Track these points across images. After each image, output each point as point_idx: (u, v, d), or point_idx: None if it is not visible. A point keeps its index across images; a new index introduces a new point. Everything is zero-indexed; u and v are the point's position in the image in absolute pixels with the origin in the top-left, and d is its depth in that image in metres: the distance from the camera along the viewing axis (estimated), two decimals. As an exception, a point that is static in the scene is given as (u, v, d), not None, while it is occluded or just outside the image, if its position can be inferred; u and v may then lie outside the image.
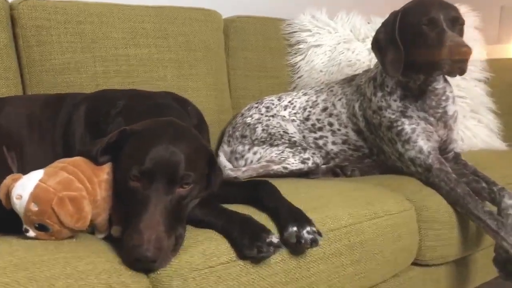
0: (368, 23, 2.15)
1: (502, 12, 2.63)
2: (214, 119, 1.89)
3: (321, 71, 2.09)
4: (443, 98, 1.55)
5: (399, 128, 1.52)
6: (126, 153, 1.00)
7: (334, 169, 1.74)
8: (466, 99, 2.01)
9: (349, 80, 1.79)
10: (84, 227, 0.97)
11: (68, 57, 1.60)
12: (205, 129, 1.32)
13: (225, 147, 1.84)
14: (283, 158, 1.64)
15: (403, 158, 1.53)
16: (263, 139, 1.73)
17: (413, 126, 1.51)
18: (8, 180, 0.97)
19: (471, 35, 2.10)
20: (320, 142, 1.76)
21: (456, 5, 2.17)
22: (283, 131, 1.74)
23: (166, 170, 0.95)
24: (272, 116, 1.82)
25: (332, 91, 1.79)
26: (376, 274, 1.25)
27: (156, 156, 0.95)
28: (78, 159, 1.03)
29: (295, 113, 1.82)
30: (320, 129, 1.76)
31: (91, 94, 1.35)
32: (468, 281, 1.57)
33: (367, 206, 1.27)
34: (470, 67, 2.04)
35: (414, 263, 1.43)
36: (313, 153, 1.67)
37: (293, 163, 1.63)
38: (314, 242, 1.04)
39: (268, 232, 1.00)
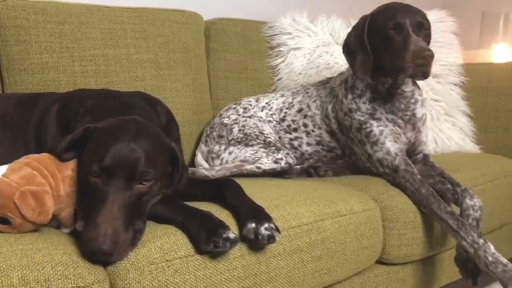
0: (348, 26, 2.19)
1: (483, 17, 2.67)
2: (193, 119, 1.93)
3: (300, 73, 2.13)
4: (412, 101, 1.59)
5: (368, 129, 1.56)
6: (88, 150, 1.03)
7: (308, 170, 1.77)
8: (441, 102, 2.05)
9: (324, 82, 1.83)
10: (45, 221, 1.01)
11: (46, 56, 1.63)
12: (174, 128, 1.35)
13: (202, 147, 1.87)
14: (256, 158, 1.67)
15: (371, 159, 1.57)
16: (239, 139, 1.77)
17: (381, 128, 1.54)
18: (-27, 174, 1.00)
19: (448, 40, 2.14)
20: (295, 143, 1.79)
21: (436, 9, 2.24)
22: (259, 132, 1.77)
23: (125, 167, 0.98)
24: (249, 117, 1.85)
25: (307, 93, 1.83)
26: (338, 271, 1.28)
27: (116, 153, 0.99)
28: (43, 155, 1.07)
29: (271, 114, 1.86)
30: (295, 130, 1.79)
31: (63, 94, 1.38)
32: (434, 281, 1.60)
33: (330, 204, 1.31)
34: (446, 71, 2.11)
35: (379, 262, 1.46)
36: (287, 154, 1.70)
37: (266, 163, 1.66)
38: (271, 238, 1.07)
39: (225, 227, 1.03)
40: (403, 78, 1.48)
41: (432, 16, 2.17)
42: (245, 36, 2.17)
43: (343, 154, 1.73)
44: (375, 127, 1.55)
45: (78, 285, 0.89)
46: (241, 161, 1.69)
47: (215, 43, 2.09)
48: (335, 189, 1.41)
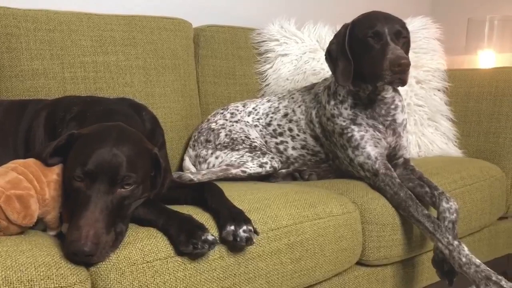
0: (334, 33, 2.22)
1: (469, 24, 2.72)
2: (182, 124, 1.97)
3: (287, 79, 2.17)
4: (392, 106, 1.64)
5: (349, 134, 1.60)
6: (72, 155, 1.07)
7: (293, 174, 1.82)
8: (424, 107, 2.09)
9: (309, 88, 1.87)
10: (31, 223, 1.05)
11: (37, 63, 1.67)
12: (159, 133, 1.39)
13: (190, 151, 1.91)
14: (242, 162, 1.71)
15: (353, 163, 1.61)
16: (225, 144, 1.81)
17: (362, 133, 1.59)
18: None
19: (432, 46, 2.19)
20: (281, 147, 1.84)
21: (420, 17, 2.28)
22: (245, 136, 1.82)
23: (107, 171, 1.02)
24: (236, 121, 1.90)
25: (293, 98, 1.87)
26: (317, 272, 1.32)
27: (98, 158, 1.03)
28: (29, 160, 1.11)
29: (258, 119, 1.90)
30: (281, 134, 1.84)
31: (51, 100, 1.42)
32: (415, 282, 1.64)
33: (309, 207, 1.35)
34: (429, 76, 2.15)
35: (360, 263, 1.50)
36: (272, 158, 1.74)
37: (251, 167, 1.70)
38: (249, 241, 1.11)
39: (204, 230, 1.07)
40: (381, 85, 1.52)
41: (417, 23, 2.23)
42: (234, 43, 2.21)
43: (327, 158, 1.77)
44: (356, 132, 1.59)
45: (60, 285, 0.93)
46: (227, 165, 1.73)
47: (204, 50, 2.13)
48: (316, 192, 1.45)
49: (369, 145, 1.57)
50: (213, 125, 1.89)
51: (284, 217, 1.27)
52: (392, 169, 1.56)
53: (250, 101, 2.00)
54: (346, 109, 1.63)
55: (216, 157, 1.80)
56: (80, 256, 0.95)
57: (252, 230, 1.13)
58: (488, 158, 2.01)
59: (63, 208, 1.12)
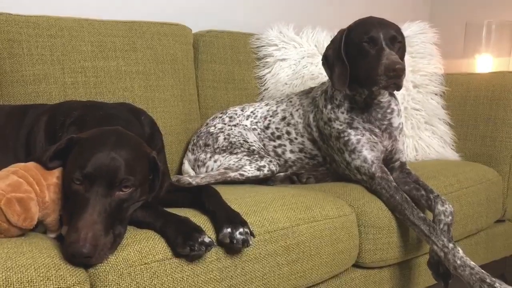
0: (332, 38, 2.25)
1: (467, 28, 2.74)
2: (181, 128, 1.99)
3: (286, 83, 2.19)
4: (388, 111, 1.66)
5: (346, 138, 1.62)
6: (71, 158, 1.09)
7: (291, 177, 1.84)
8: (421, 111, 2.11)
9: (307, 92, 1.89)
10: (31, 226, 1.07)
11: (38, 68, 1.70)
12: (157, 138, 1.42)
13: (189, 155, 1.93)
14: (240, 166, 1.73)
15: (350, 166, 1.63)
16: (224, 148, 1.83)
17: (358, 137, 1.61)
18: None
19: (429, 51, 2.21)
20: (279, 150, 1.86)
21: (418, 21, 2.31)
22: (243, 140, 1.84)
23: (106, 174, 1.04)
24: (235, 125, 1.92)
25: (291, 101, 1.89)
26: (313, 274, 1.34)
27: (97, 161, 1.05)
28: (29, 164, 1.13)
29: (256, 122, 1.92)
30: (279, 137, 1.86)
31: (51, 105, 1.44)
32: (411, 284, 1.65)
33: (306, 210, 1.37)
34: (426, 81, 2.17)
35: (356, 265, 1.52)
36: (270, 161, 1.76)
37: (249, 170, 1.72)
38: (245, 243, 1.13)
39: (201, 232, 1.09)
40: (377, 90, 1.54)
41: (414, 27, 2.26)
42: (233, 48, 2.23)
43: (324, 162, 1.79)
44: (353, 136, 1.61)
45: (59, 286, 0.95)
46: (225, 168, 1.75)
47: (203, 55, 2.15)
48: (312, 195, 1.46)
49: (366, 148, 1.59)
50: (211, 129, 1.91)
51: (280, 220, 1.29)
52: (388, 172, 1.57)
53: (248, 105, 2.02)
54: (342, 113, 1.65)
55: (215, 161, 1.82)
56: (79, 257, 0.97)
57: (249, 232, 1.15)
58: (485, 162, 2.02)
59: (63, 210, 1.14)
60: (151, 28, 1.97)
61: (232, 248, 1.15)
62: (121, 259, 1.04)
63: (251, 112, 1.95)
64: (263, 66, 2.28)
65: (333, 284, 1.46)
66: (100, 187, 1.04)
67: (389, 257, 1.52)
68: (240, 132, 1.87)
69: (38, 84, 1.69)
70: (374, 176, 1.55)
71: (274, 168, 1.76)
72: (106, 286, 1.01)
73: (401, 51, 1.58)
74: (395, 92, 1.68)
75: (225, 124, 1.93)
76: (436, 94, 2.18)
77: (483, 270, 1.33)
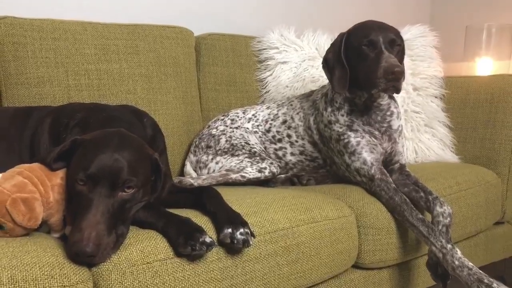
0: (332, 41, 2.27)
1: (467, 31, 2.76)
2: (183, 130, 2.01)
3: (287, 86, 2.22)
4: (388, 113, 1.67)
5: (346, 140, 1.64)
6: (75, 160, 1.11)
7: (292, 179, 1.86)
8: (421, 114, 2.13)
9: (308, 95, 1.91)
10: (35, 225, 1.09)
11: (42, 71, 1.72)
12: (159, 139, 1.44)
13: (191, 157, 1.95)
14: (241, 167, 1.75)
15: (350, 168, 1.65)
16: (225, 150, 1.85)
17: (358, 139, 1.63)
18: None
19: (429, 54, 2.23)
20: (280, 153, 1.87)
21: (418, 25, 2.33)
22: (245, 142, 1.86)
23: (109, 175, 1.06)
24: (236, 128, 1.94)
25: (291, 105, 1.91)
26: (313, 275, 1.36)
27: (100, 162, 1.07)
28: (34, 165, 1.15)
29: (257, 125, 1.94)
30: (280, 140, 1.88)
31: (55, 107, 1.46)
32: (410, 285, 1.67)
33: (306, 211, 1.38)
34: (426, 83, 2.19)
35: (356, 266, 1.54)
36: (271, 163, 1.78)
37: (250, 172, 1.74)
38: (246, 243, 1.15)
39: (202, 232, 1.11)
40: (376, 92, 1.56)
41: (415, 30, 2.27)
42: (234, 51, 2.25)
43: (324, 164, 1.81)
44: (353, 138, 1.63)
45: (63, 285, 0.97)
46: (227, 170, 1.77)
47: (205, 57, 2.18)
48: (312, 197, 1.48)
49: (365, 151, 1.61)
50: (213, 131, 1.93)
51: (281, 221, 1.31)
52: (388, 174, 1.59)
53: (250, 107, 2.04)
54: (342, 115, 1.67)
55: (216, 163, 1.84)
56: (82, 256, 0.99)
57: (249, 232, 1.17)
58: (484, 164, 2.04)
59: (67, 211, 1.16)
60: (154, 31, 1.99)
61: (232, 248, 1.17)
62: (123, 258, 1.05)
63: (253, 115, 1.97)
64: (264, 69, 2.30)
65: (333, 285, 1.48)
66: (103, 187, 1.06)
67: (389, 258, 1.54)
68: (241, 134, 1.89)
69: (42, 86, 1.72)
70: (374, 178, 1.57)
71: (275, 170, 1.77)
72: (109, 285, 1.03)
73: (400, 55, 1.60)
74: (395, 95, 1.70)
75: (226, 126, 1.95)
76: (436, 97, 2.19)
77: (481, 271, 1.35)
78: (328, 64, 1.66)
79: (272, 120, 1.92)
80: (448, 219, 1.46)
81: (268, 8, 2.63)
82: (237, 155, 1.81)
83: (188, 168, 1.93)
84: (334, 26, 2.33)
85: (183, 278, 1.11)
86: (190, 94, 2.07)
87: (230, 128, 1.93)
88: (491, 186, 1.90)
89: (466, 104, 2.15)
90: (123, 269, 1.04)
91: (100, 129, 1.19)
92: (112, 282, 1.03)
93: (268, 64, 2.28)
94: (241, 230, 1.16)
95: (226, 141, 1.87)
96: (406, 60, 1.69)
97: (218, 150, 1.86)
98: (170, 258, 1.10)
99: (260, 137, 1.92)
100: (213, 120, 2.03)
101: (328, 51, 1.69)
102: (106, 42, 1.86)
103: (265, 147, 1.90)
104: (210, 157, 1.87)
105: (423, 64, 2.19)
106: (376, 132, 1.65)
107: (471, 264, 1.36)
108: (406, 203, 1.49)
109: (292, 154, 1.85)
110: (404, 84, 1.66)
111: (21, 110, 1.47)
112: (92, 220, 1.01)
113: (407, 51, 1.77)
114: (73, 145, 1.13)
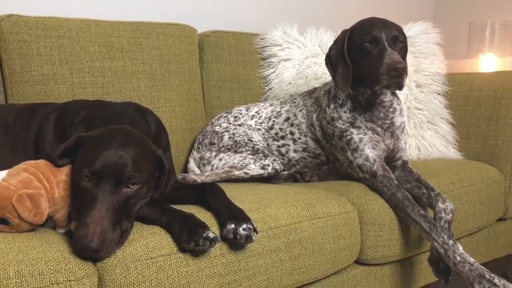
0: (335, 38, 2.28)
1: (470, 28, 2.76)
2: (186, 127, 2.02)
3: (290, 83, 2.22)
4: (391, 110, 1.68)
5: (348, 137, 1.65)
6: (80, 156, 1.13)
7: (295, 175, 1.86)
8: (424, 110, 2.13)
9: (310, 92, 1.92)
10: (41, 221, 1.10)
11: (47, 68, 1.74)
12: (163, 136, 1.45)
13: (195, 154, 1.97)
14: (244, 164, 1.76)
15: (352, 165, 1.66)
16: (229, 146, 1.86)
17: (361, 135, 1.63)
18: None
19: (432, 51, 2.23)
20: (283, 150, 1.88)
21: (421, 22, 2.33)
22: (248, 139, 1.87)
23: (113, 172, 1.07)
24: (240, 125, 1.95)
25: (294, 102, 1.92)
26: (315, 270, 1.37)
27: (105, 159, 1.08)
28: (39, 161, 1.17)
29: (260, 123, 1.95)
30: (283, 137, 1.88)
31: (60, 104, 1.48)
32: (413, 281, 1.67)
33: (308, 207, 1.39)
34: (429, 80, 2.19)
35: (358, 262, 1.55)
36: (274, 160, 1.79)
37: (253, 169, 1.75)
38: (248, 238, 1.16)
39: (205, 227, 1.12)
40: (379, 89, 1.56)
41: (418, 27, 2.27)
42: (238, 48, 2.26)
43: (327, 160, 1.82)
44: (355, 135, 1.64)
45: (69, 279, 0.98)
46: (230, 167, 1.78)
47: (208, 55, 2.18)
48: (315, 193, 1.49)
49: (368, 147, 1.62)
50: (217, 128, 1.94)
51: (283, 217, 1.32)
52: (390, 170, 1.60)
53: (253, 105, 2.05)
54: (345, 112, 1.67)
55: (220, 159, 1.85)
56: (87, 251, 1.00)
57: (252, 228, 1.18)
58: (487, 161, 2.04)
59: (72, 207, 1.17)
60: (157, 29, 2.00)
61: (235, 244, 1.18)
62: (128, 253, 1.07)
63: (256, 112, 1.98)
64: (268, 66, 2.30)
65: (335, 280, 1.49)
66: (108, 184, 1.07)
67: (391, 254, 1.54)
68: (244, 131, 1.90)
69: (47, 83, 1.73)
70: (376, 174, 1.57)
71: (278, 167, 1.78)
72: (114, 279, 1.04)
73: (403, 51, 1.60)
74: (398, 92, 1.70)
75: (230, 123, 1.96)
76: (438, 94, 2.19)
77: (482, 266, 1.36)
78: (331, 61, 1.67)
79: (275, 117, 1.93)
80: (450, 215, 1.47)
81: (271, 5, 2.64)
82: (240, 152, 1.82)
83: (192, 164, 1.94)
84: (337, 23, 2.33)
85: (186, 273, 1.12)
86: (194, 92, 2.08)
87: (233, 125, 1.94)
88: (493, 183, 1.90)
89: (469, 101, 2.15)
90: (128, 264, 1.06)
91: (105, 126, 1.21)
92: (117, 276, 1.05)
93: (271, 61, 2.29)
94: (244, 225, 1.17)
95: (229, 138, 1.88)
96: (409, 57, 1.70)
97: (221, 147, 1.88)
98: (173, 253, 1.11)
99: (263, 134, 1.93)
100: (217, 117, 2.04)
101: (331, 48, 1.70)
102: (110, 39, 1.87)
103: (268, 144, 1.91)
104: (214, 154, 1.88)
105: (426, 61, 2.20)
106: (379, 129, 1.66)
107: (473, 259, 1.37)
108: (408, 199, 1.50)
109: (295, 151, 1.86)
110: (407, 81, 1.66)
111: (26, 107, 1.48)
112: (97, 216, 1.02)
113: (410, 48, 1.77)
114: (78, 142, 1.15)
